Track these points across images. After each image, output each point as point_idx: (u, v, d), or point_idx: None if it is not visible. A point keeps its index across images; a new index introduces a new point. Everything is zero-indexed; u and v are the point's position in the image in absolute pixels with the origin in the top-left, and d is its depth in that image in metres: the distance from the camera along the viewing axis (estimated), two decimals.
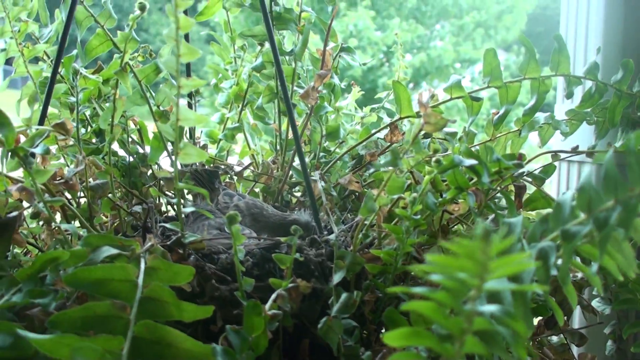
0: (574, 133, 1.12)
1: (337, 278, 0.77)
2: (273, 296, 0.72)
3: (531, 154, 1.04)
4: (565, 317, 0.99)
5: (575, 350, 1.03)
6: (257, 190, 1.17)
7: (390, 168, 0.76)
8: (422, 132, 0.81)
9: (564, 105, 1.33)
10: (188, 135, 1.15)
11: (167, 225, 0.79)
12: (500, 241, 0.37)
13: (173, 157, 0.70)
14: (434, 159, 0.80)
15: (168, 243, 0.79)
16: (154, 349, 0.61)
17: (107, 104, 0.98)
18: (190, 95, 1.14)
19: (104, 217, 1.02)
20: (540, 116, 1.09)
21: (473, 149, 0.76)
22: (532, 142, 1.24)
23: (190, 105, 1.15)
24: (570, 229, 0.55)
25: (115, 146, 1.05)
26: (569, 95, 1.09)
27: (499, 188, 0.87)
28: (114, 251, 0.70)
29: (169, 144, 1.04)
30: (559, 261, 0.56)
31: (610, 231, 0.52)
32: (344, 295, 0.76)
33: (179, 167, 1.05)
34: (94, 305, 0.62)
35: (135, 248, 0.71)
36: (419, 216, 0.77)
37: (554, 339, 1.04)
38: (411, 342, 0.48)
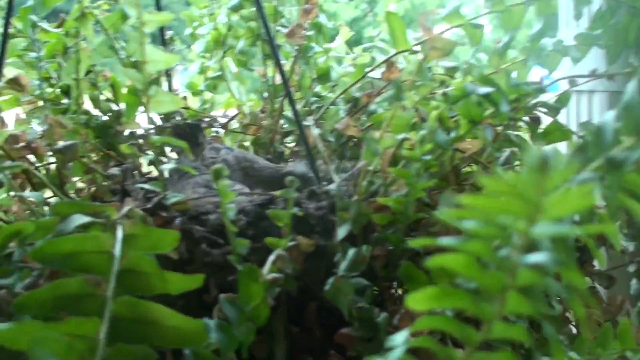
0: (582, 60, 1.03)
1: (342, 232, 0.68)
2: (271, 257, 0.63)
3: None
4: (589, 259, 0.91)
5: (602, 292, 0.95)
6: (246, 143, 1.07)
7: (394, 104, 0.66)
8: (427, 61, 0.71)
9: (569, 31, 1.24)
10: (167, 87, 1.05)
11: (146, 185, 0.70)
12: (561, 171, 0.28)
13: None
14: (440, 92, 0.71)
15: (149, 206, 0.70)
16: (136, 329, 0.52)
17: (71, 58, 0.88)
18: (163, 44, 1.03)
19: (81, 183, 0.93)
20: (547, 42, 0.99)
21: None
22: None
23: (167, 71, 1.05)
24: (617, 156, 0.46)
25: (88, 106, 0.95)
26: (578, 16, 1.00)
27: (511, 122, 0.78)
28: (86, 219, 0.61)
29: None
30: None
31: None
32: (351, 251, 0.67)
33: (159, 122, 0.96)
34: (64, 283, 0.53)
35: (111, 214, 0.62)
36: (429, 156, 0.68)
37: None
38: (441, 304, 0.39)
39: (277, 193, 0.71)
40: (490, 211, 0.32)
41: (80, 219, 0.61)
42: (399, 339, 0.41)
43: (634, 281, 1.07)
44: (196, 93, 1.12)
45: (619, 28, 0.99)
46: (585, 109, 1.25)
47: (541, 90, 0.66)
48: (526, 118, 0.83)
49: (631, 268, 1.08)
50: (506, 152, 0.70)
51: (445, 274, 0.57)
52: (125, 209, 0.64)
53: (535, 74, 1.08)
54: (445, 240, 0.35)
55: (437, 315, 0.43)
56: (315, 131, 0.87)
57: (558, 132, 0.87)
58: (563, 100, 0.88)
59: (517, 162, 0.81)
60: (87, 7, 0.83)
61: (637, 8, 0.97)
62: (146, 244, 0.58)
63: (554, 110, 0.87)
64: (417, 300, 0.38)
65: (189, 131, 0.93)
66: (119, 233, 0.59)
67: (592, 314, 0.81)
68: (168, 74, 1.03)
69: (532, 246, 0.33)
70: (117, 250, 0.57)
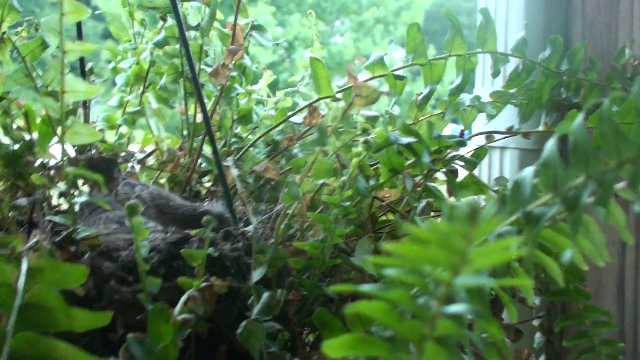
0: (496, 117, 1.06)
1: (257, 275, 0.67)
2: (183, 298, 0.62)
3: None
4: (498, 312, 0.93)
5: (509, 344, 0.96)
6: (162, 180, 1.05)
7: (317, 149, 0.66)
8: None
9: (484, 88, 1.28)
10: (82, 119, 1.02)
11: (56, 218, 0.67)
12: (488, 222, 0.28)
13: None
14: (362, 140, 0.72)
15: (57, 239, 0.67)
16: None
17: None
18: (83, 76, 1.01)
19: None
20: (465, 98, 1.02)
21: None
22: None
23: (85, 102, 1.03)
24: (534, 211, 0.47)
25: None
26: (496, 74, 1.03)
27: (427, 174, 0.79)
28: None
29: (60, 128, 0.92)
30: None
31: (582, 212, 0.45)
32: (265, 295, 0.66)
33: (73, 154, 0.93)
34: None
35: (16, 246, 0.60)
36: (348, 203, 0.68)
37: (484, 335, 0.98)
38: (358, 352, 0.39)
39: (192, 232, 0.69)
40: (415, 259, 0.32)
41: None
42: None
43: (537, 335, 1.10)
44: (113, 127, 1.09)
45: (533, 88, 1.02)
46: (497, 164, 1.29)
47: (462, 143, 0.68)
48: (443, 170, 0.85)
49: (536, 322, 1.11)
50: (423, 202, 0.71)
51: (360, 321, 0.57)
52: (32, 241, 0.61)
53: (447, 128, 1.10)
54: (365, 287, 0.35)
55: None
56: (234, 172, 0.86)
57: (474, 185, 0.89)
58: (480, 154, 0.90)
59: (432, 213, 0.82)
60: (5, 33, 0.80)
61: (550, 70, 1.01)
62: (52, 278, 0.56)
63: (471, 163, 0.89)
64: (333, 347, 0.37)
65: (103, 165, 0.90)
66: (24, 265, 0.56)
67: None
68: (85, 105, 1.00)
69: (450, 297, 0.33)
70: (21, 283, 0.54)
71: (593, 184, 0.45)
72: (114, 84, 1.14)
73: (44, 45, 0.88)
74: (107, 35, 1.15)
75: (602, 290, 1.20)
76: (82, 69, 0.98)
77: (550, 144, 0.47)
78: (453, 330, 0.35)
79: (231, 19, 1.02)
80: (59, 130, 0.89)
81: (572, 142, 0.45)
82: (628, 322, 1.18)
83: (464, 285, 0.31)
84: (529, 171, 0.49)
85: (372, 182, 0.70)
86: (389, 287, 0.35)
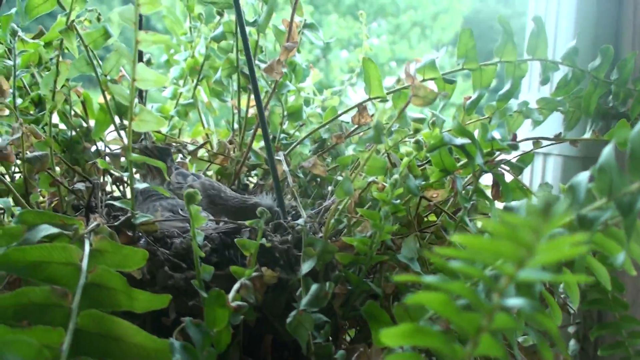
0: (542, 124, 1.06)
1: (306, 267, 0.69)
2: (236, 286, 0.64)
3: None
4: None
5: None
6: (210, 172, 1.08)
7: (373, 146, 0.68)
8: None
9: (530, 94, 1.28)
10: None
11: (116, 203, 0.69)
12: (559, 217, 0.30)
13: (126, 124, 0.61)
14: (413, 140, 0.73)
15: (116, 223, 0.69)
16: (100, 344, 0.52)
17: (49, 70, 0.88)
18: None
19: (41, 197, 0.92)
20: (513, 103, 1.02)
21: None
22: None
23: (140, 93, 1.05)
24: (588, 215, 0.48)
25: (55, 119, 0.95)
26: (545, 81, 1.03)
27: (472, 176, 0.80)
28: (54, 230, 0.61)
29: (117, 117, 0.95)
30: None
31: (636, 217, 0.46)
32: (314, 287, 0.68)
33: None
34: (29, 291, 0.53)
35: (79, 227, 0.62)
36: (398, 201, 0.69)
37: (520, 338, 0.98)
38: (415, 342, 0.40)
39: (245, 222, 0.71)
40: (484, 252, 0.33)
41: (48, 230, 0.61)
42: None
43: (572, 342, 1.10)
44: (166, 118, 1.12)
45: (581, 96, 1.03)
46: (539, 170, 1.29)
47: (515, 147, 0.69)
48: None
49: (571, 329, 1.11)
50: (470, 203, 0.72)
51: (409, 316, 0.58)
52: (94, 224, 0.64)
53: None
54: (428, 278, 0.36)
55: (406, 352, 0.45)
56: (285, 166, 0.88)
57: (518, 190, 0.90)
58: (526, 160, 0.90)
59: (478, 215, 0.83)
60: (73, 21, 0.83)
61: (600, 79, 1.02)
62: (114, 260, 0.58)
63: (516, 168, 0.89)
64: (391, 336, 0.39)
65: (157, 154, 0.93)
66: (87, 247, 0.59)
67: None
68: (141, 96, 1.03)
69: (509, 291, 0.34)
70: (85, 263, 0.57)
71: None
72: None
73: (107, 35, 0.90)
74: (152, 30, 1.18)
75: None
76: (140, 60, 1.00)
77: (607, 150, 0.48)
78: (511, 323, 0.36)
79: (282, 16, 1.04)
80: (118, 120, 0.93)
81: (630, 148, 0.46)
82: None
83: (527, 279, 0.33)
84: (584, 175, 0.50)
85: (430, 179, 0.71)
86: (452, 279, 0.36)
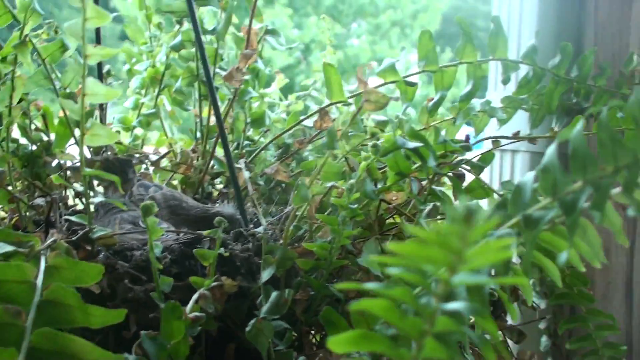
0: (508, 122, 1.07)
1: (266, 275, 0.69)
2: (195, 297, 0.64)
3: None
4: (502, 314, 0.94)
5: (512, 346, 0.98)
6: (174, 182, 1.08)
7: (327, 152, 0.68)
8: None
9: (496, 93, 1.29)
10: (98, 121, 1.05)
11: (73, 218, 0.69)
12: (484, 224, 0.30)
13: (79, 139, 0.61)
14: (370, 144, 0.74)
15: (74, 238, 0.69)
16: None
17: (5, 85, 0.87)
18: (100, 78, 1.03)
19: (2, 212, 0.92)
20: (476, 103, 1.03)
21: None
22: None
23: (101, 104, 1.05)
24: (533, 214, 0.49)
25: (16, 134, 0.94)
26: (506, 81, 1.04)
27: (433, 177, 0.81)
28: (9, 248, 0.60)
29: (77, 130, 0.94)
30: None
31: (579, 216, 0.47)
32: (274, 294, 0.68)
33: (88, 155, 0.95)
34: None
35: (35, 244, 0.62)
36: (356, 205, 0.70)
37: (488, 336, 0.99)
38: (361, 347, 0.40)
39: (204, 232, 0.71)
40: (415, 259, 0.34)
41: (3, 247, 0.60)
42: None
43: (544, 338, 1.11)
44: (129, 128, 1.11)
45: (544, 93, 1.04)
46: (508, 167, 1.30)
47: (467, 148, 0.69)
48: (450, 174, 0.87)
49: (542, 325, 1.12)
50: (429, 205, 0.72)
51: (365, 320, 0.59)
52: (50, 240, 0.63)
53: (462, 132, 1.12)
54: (369, 285, 0.36)
55: (355, 358, 0.45)
56: (245, 174, 0.88)
57: (480, 189, 0.90)
58: (487, 159, 0.91)
59: (439, 216, 0.83)
60: (27, 35, 0.83)
61: (560, 76, 1.03)
62: (70, 276, 0.58)
63: (477, 168, 0.90)
64: (337, 343, 0.39)
65: (119, 166, 0.92)
66: (42, 264, 0.59)
67: None
68: (102, 107, 1.03)
69: (451, 295, 0.35)
70: (39, 280, 0.56)
71: (590, 188, 0.46)
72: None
73: (64, 48, 0.90)
74: (124, 37, 1.18)
75: (610, 292, 1.21)
76: (99, 72, 1.00)
77: (550, 150, 0.49)
78: (451, 326, 0.37)
79: (246, 22, 1.04)
80: (77, 132, 0.92)
81: (571, 148, 0.47)
82: (635, 322, 1.19)
83: (461, 283, 0.33)
84: (529, 176, 0.51)
85: (380, 185, 0.71)
86: (392, 285, 0.37)
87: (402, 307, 0.39)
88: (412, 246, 0.32)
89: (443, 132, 1.04)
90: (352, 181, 0.68)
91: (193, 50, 1.06)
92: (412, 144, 0.65)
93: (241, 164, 0.92)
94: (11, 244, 0.61)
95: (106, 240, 0.70)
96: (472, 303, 0.39)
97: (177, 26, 1.07)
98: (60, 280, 0.58)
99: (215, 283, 0.67)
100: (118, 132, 1.10)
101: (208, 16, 1.10)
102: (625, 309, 1.21)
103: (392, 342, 0.40)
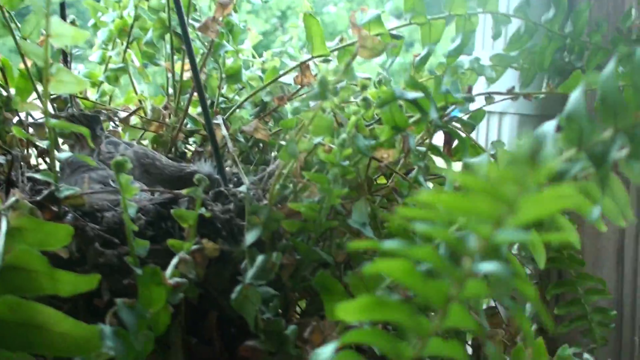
0: (497, 81, 1.02)
1: (251, 237, 0.64)
2: (174, 261, 0.58)
3: None
4: None
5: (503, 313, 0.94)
6: (145, 142, 1.01)
7: (318, 104, 0.63)
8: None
9: (484, 52, 1.24)
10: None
11: (37, 175, 0.63)
12: (549, 164, 0.25)
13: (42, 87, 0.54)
14: (359, 97, 0.69)
15: (38, 198, 0.63)
16: (20, 333, 0.46)
17: None
18: None
19: None
20: (464, 60, 0.98)
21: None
22: None
23: (65, 56, 0.98)
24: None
25: None
26: (497, 36, 0.99)
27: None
28: None
29: (40, 85, 0.87)
30: None
31: (609, 168, 0.42)
32: (260, 258, 0.63)
33: (52, 111, 0.89)
34: None
35: None
36: (347, 162, 0.64)
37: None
38: (375, 316, 0.35)
39: (182, 192, 0.65)
40: (455, 211, 0.28)
41: None
42: (325, 354, 0.37)
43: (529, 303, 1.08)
44: (95, 84, 1.04)
45: (535, 51, 0.99)
46: (495, 129, 1.26)
47: (470, 99, 0.65)
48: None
49: None
50: (424, 162, 0.68)
51: (364, 285, 0.54)
52: (12, 199, 0.57)
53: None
54: (388, 244, 0.31)
55: (367, 328, 0.40)
56: (224, 130, 0.82)
57: (471, 148, 0.86)
58: (477, 117, 0.87)
59: (429, 176, 0.79)
60: None
61: (554, 32, 0.98)
62: (35, 238, 0.52)
63: (468, 126, 0.86)
64: (348, 310, 0.34)
65: (85, 122, 0.86)
66: (4, 225, 0.53)
67: (496, 334, 0.79)
68: (66, 60, 0.95)
69: (487, 254, 0.30)
70: (1, 244, 0.50)
71: (622, 137, 0.42)
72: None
73: None
74: None
75: (601, 259, 1.18)
76: (62, 12, 0.93)
77: (575, 96, 0.44)
78: (484, 292, 0.32)
79: None
80: (40, 87, 0.85)
81: (600, 92, 0.42)
82: (626, 290, 1.16)
83: (505, 240, 0.28)
84: (550, 125, 0.46)
85: (380, 138, 0.66)
86: (415, 244, 0.31)
87: (423, 270, 0.34)
88: (456, 196, 0.27)
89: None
90: (343, 136, 0.63)
91: (164, 0, 0.99)
92: (412, 95, 0.60)
93: (219, 120, 0.86)
94: None
95: (74, 200, 0.64)
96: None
97: None
98: (24, 243, 0.52)
99: (195, 246, 0.62)
100: (94, 83, 1.03)
101: None
102: (617, 277, 1.18)
103: (410, 310, 0.35)
